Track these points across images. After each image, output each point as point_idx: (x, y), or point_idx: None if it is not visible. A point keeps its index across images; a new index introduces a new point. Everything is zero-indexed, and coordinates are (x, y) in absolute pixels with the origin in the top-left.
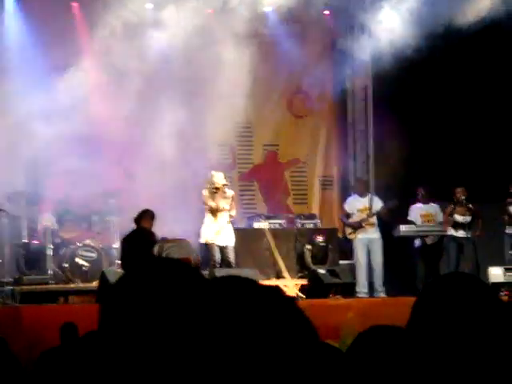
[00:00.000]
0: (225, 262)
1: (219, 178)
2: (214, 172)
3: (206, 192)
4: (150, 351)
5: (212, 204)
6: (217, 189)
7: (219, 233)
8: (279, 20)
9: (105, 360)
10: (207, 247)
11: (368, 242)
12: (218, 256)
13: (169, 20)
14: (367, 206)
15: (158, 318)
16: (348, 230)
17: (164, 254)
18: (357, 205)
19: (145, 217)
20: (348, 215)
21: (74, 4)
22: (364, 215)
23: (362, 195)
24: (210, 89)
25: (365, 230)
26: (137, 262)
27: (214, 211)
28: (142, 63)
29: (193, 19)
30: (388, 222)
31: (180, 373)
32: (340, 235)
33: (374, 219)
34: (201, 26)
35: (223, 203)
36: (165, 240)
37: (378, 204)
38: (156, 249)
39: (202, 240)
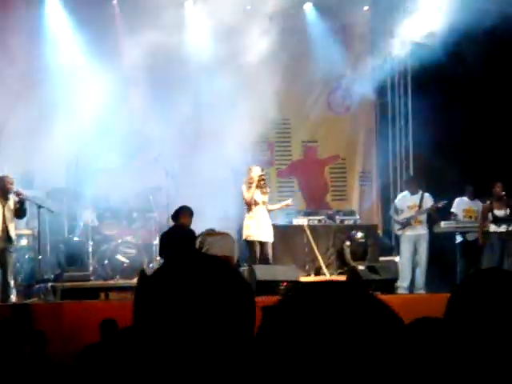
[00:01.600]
0: (263, 258)
1: (256, 172)
2: (251, 166)
3: (243, 186)
4: (182, 347)
5: (247, 196)
6: (253, 182)
7: (259, 228)
8: (319, 16)
9: (139, 354)
10: (248, 243)
11: (415, 238)
12: (258, 252)
13: (206, 17)
14: (417, 203)
15: (190, 313)
16: (396, 227)
17: (204, 249)
18: (407, 202)
19: (183, 213)
20: (397, 211)
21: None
22: (413, 212)
23: (412, 192)
24: (249, 85)
25: (413, 227)
26: (175, 258)
27: (251, 205)
28: (178, 63)
29: (231, 15)
30: (436, 220)
31: (218, 369)
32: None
33: (423, 217)
34: (239, 23)
35: (261, 197)
36: (208, 233)
37: (428, 202)
38: (198, 241)
39: (244, 236)
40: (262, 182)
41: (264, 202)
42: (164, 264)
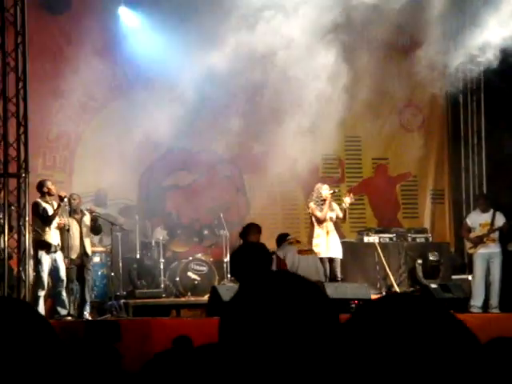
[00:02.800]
0: (331, 275)
1: (325, 190)
2: (319, 184)
3: (312, 204)
4: (269, 367)
5: (319, 214)
6: (324, 200)
7: (328, 245)
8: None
9: (225, 373)
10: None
11: (488, 256)
12: (328, 269)
13: (273, 28)
14: (489, 221)
15: (278, 334)
16: (468, 245)
17: (294, 269)
18: (479, 220)
19: (251, 231)
20: (469, 230)
21: None
22: (485, 230)
23: (484, 210)
24: (319, 101)
25: (485, 245)
26: (252, 276)
27: (321, 222)
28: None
29: (301, 29)
30: (509, 237)
31: None
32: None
33: (496, 235)
34: (312, 35)
35: (330, 214)
36: (300, 250)
37: (500, 220)
38: (288, 259)
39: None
40: (331, 200)
41: (332, 219)
42: (253, 283)
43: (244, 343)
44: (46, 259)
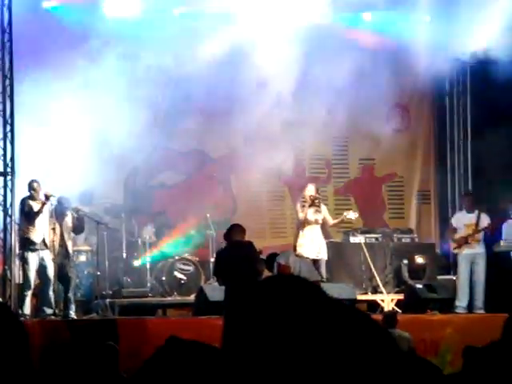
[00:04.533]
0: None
1: (310, 191)
2: (309, 184)
3: (298, 205)
4: (276, 371)
5: (301, 216)
6: (306, 201)
7: (312, 245)
8: (377, 29)
9: (230, 376)
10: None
11: (473, 257)
12: None
13: (281, 31)
14: (474, 222)
15: (287, 338)
16: (453, 245)
17: (297, 272)
18: (464, 220)
19: (234, 232)
20: (454, 230)
21: None
22: (470, 231)
23: (469, 210)
24: (307, 101)
25: (470, 246)
26: (239, 276)
27: (304, 223)
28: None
29: (302, 32)
30: (494, 238)
31: None
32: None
33: (480, 235)
34: (309, 38)
35: (314, 216)
36: (297, 254)
37: (484, 221)
38: (290, 262)
39: (296, 253)
40: (316, 201)
41: (317, 221)
42: (260, 284)
43: (253, 346)
44: (32, 258)
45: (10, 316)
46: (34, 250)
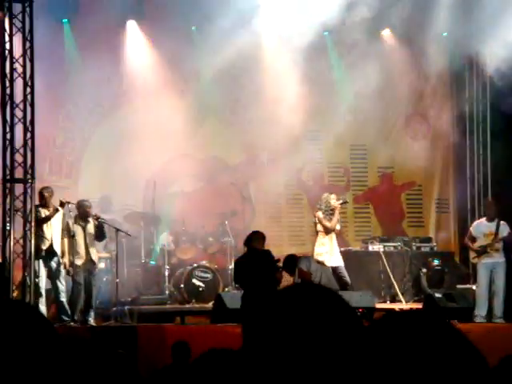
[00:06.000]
0: (341, 282)
1: (334, 199)
2: (327, 194)
3: (320, 213)
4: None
5: (328, 225)
6: (332, 210)
7: (332, 254)
8: (397, 41)
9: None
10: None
11: (492, 266)
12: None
13: (280, 41)
14: (493, 231)
15: (306, 346)
16: (472, 255)
17: (317, 279)
18: (483, 229)
19: (255, 239)
20: (474, 239)
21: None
22: (489, 240)
23: (489, 220)
24: (325, 109)
25: (489, 255)
26: (257, 284)
27: (328, 232)
28: (251, 88)
29: (308, 40)
30: None
31: None
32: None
33: (500, 245)
34: (318, 49)
35: (338, 225)
36: (318, 261)
37: (504, 230)
38: (311, 268)
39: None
40: (339, 210)
41: (338, 230)
42: (282, 293)
43: (272, 352)
44: (41, 266)
45: (42, 319)
46: (42, 258)
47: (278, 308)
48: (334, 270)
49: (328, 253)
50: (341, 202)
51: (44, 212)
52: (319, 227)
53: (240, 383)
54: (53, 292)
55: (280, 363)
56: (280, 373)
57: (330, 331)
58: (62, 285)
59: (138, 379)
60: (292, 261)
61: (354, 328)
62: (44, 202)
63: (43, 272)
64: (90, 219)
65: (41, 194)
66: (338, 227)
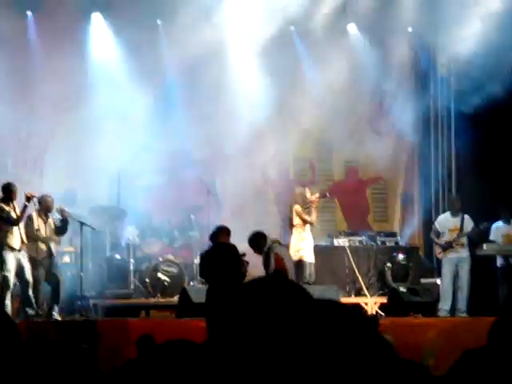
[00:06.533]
0: (311, 279)
1: (310, 194)
2: (302, 188)
3: (299, 207)
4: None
5: (309, 218)
6: (312, 203)
7: (310, 249)
8: (362, 36)
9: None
10: (300, 264)
11: (457, 261)
12: (314, 273)
13: (246, 35)
14: (458, 226)
15: (269, 337)
16: (437, 250)
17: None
18: (448, 224)
19: (220, 233)
20: (438, 234)
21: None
22: (454, 235)
23: (453, 215)
24: (291, 104)
25: (454, 250)
26: (222, 279)
27: (305, 226)
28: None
29: (275, 35)
30: (477, 242)
31: None
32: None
33: (464, 239)
34: (283, 43)
35: (316, 219)
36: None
37: (469, 225)
38: (266, 246)
39: (296, 257)
40: (317, 204)
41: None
42: (247, 285)
43: (235, 346)
44: (11, 259)
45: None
46: (11, 252)
47: (243, 302)
48: (309, 265)
49: (307, 248)
50: (317, 195)
51: (8, 209)
52: (297, 221)
53: (200, 376)
54: (20, 285)
55: (243, 357)
56: (243, 366)
57: (293, 325)
58: (29, 279)
59: (99, 374)
60: (261, 238)
61: (314, 321)
62: (8, 197)
63: (12, 266)
64: (52, 213)
65: (6, 188)
66: (316, 221)
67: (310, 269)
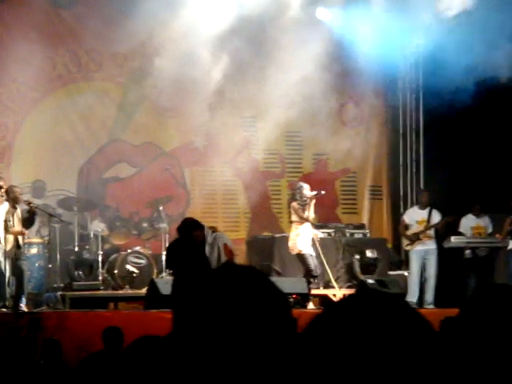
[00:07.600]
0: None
1: (308, 190)
2: (301, 183)
3: (296, 204)
4: (225, 357)
5: (307, 215)
6: (306, 200)
7: (309, 243)
8: (333, 26)
9: (177, 364)
10: (303, 257)
11: (424, 253)
12: (318, 265)
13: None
14: (426, 218)
15: (234, 326)
16: (405, 242)
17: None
18: (415, 217)
19: (188, 225)
20: (406, 226)
21: None
22: (422, 228)
23: (421, 207)
24: (260, 96)
25: (422, 242)
26: (189, 269)
27: (304, 223)
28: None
29: (245, 25)
30: (444, 235)
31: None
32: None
33: (432, 232)
34: (252, 32)
35: (312, 214)
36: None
37: (436, 217)
38: (209, 236)
39: (296, 251)
40: (314, 200)
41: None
42: (206, 273)
43: (199, 337)
44: None
45: None
46: None
47: (207, 292)
48: (312, 257)
49: (306, 241)
50: (315, 193)
51: None
52: (294, 217)
53: (171, 370)
54: None
55: (207, 348)
56: (207, 358)
57: (259, 315)
58: (3, 271)
59: (64, 365)
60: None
61: (281, 311)
62: None
63: None
64: (20, 205)
65: None
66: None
67: (313, 261)
